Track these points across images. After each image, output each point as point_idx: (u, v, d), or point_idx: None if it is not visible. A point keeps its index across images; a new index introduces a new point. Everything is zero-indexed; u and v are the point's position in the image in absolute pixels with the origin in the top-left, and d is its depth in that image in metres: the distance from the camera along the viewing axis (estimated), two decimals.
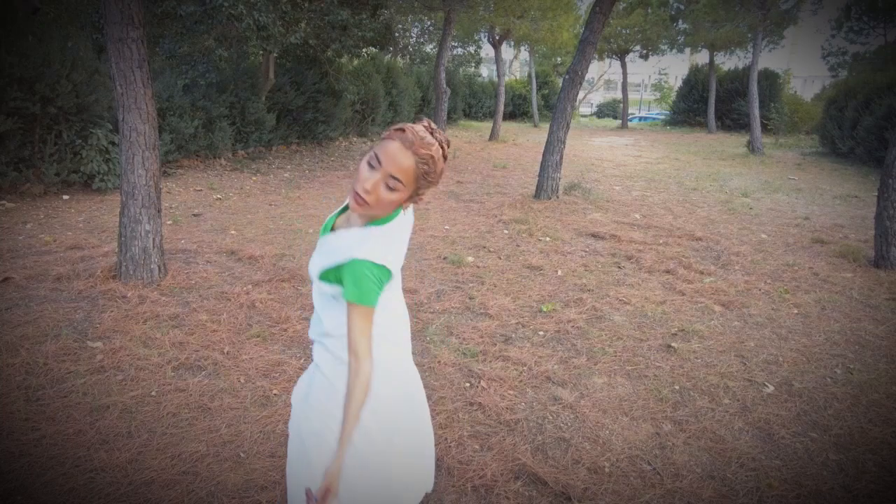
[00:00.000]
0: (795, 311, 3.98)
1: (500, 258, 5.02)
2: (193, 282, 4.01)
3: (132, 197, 3.82)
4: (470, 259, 4.91)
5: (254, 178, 8.42)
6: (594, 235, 5.84)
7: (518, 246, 5.41)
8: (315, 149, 11.59)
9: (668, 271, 4.74)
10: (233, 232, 5.51)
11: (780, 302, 4.15)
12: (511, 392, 2.77)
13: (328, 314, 1.38)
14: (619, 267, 4.87)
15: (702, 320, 3.76)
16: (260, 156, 10.02)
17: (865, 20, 24.51)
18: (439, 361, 3.05)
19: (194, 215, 6.12)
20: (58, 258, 4.33)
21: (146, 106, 3.77)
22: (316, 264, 1.36)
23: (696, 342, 3.42)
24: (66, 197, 6.34)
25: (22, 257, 4.34)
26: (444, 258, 4.90)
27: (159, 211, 3.99)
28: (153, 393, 2.61)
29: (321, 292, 1.38)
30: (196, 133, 8.62)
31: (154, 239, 3.92)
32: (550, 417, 2.58)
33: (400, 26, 13.41)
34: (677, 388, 2.88)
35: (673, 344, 3.37)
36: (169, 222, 5.63)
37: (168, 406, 2.50)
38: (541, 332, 3.49)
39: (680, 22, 21.95)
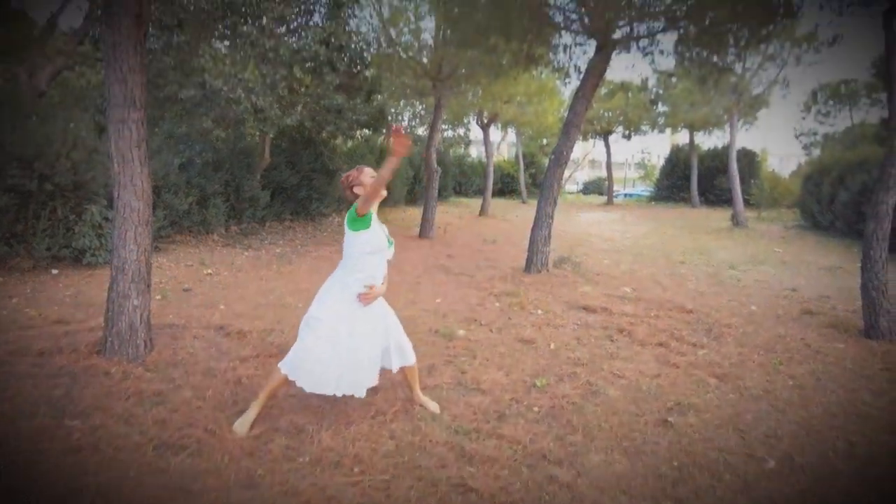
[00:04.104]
0: (791, 383, 3.94)
1: (492, 331, 4.98)
2: (179, 357, 3.92)
3: (122, 272, 3.81)
4: (461, 332, 4.87)
5: (246, 254, 8.46)
6: (585, 308, 5.84)
7: (510, 319, 5.39)
8: (308, 224, 11.74)
9: (660, 344, 4.71)
10: (222, 307, 5.46)
11: (775, 374, 4.11)
12: (505, 472, 2.67)
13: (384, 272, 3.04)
14: (612, 340, 4.84)
15: (697, 393, 3.70)
16: (253, 231, 10.11)
17: (832, 104, 26.03)
18: (430, 440, 2.95)
19: (184, 290, 6.08)
20: (41, 333, 4.24)
21: (142, 183, 3.84)
22: (393, 251, 3.05)
23: (692, 416, 3.35)
24: (54, 271, 6.30)
25: (4, 332, 4.25)
26: (436, 331, 4.85)
27: (149, 286, 3.97)
28: (131, 474, 2.48)
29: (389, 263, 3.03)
30: (190, 209, 8.75)
31: (142, 314, 3.87)
32: (547, 498, 2.47)
33: (393, 110, 14.01)
34: (676, 464, 2.79)
35: (669, 418, 3.29)
36: (158, 297, 5.58)
37: (147, 488, 2.37)
38: (535, 409, 3.40)
39: (660, 105, 23.16)
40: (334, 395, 2.96)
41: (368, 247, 2.87)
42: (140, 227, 3.84)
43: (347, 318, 2.88)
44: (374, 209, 2.95)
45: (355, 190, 2.96)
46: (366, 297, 2.88)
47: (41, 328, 4.40)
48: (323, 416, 3.14)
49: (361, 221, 2.82)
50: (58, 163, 6.21)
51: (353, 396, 2.99)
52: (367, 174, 2.96)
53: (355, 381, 2.90)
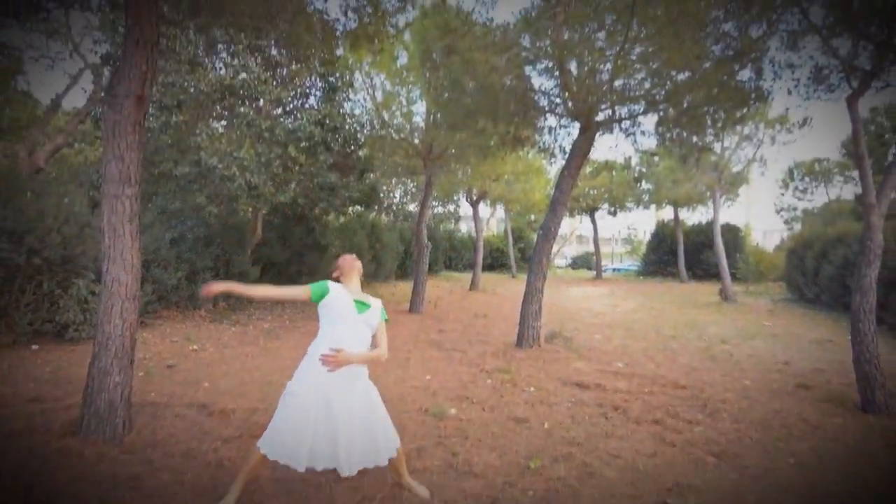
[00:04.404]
0: (792, 461, 3.82)
1: (484, 410, 4.84)
2: (159, 438, 3.76)
3: (105, 347, 3.72)
4: (452, 411, 4.73)
5: (233, 329, 8.32)
6: (579, 385, 5.73)
7: (502, 396, 5.26)
8: None
9: (656, 421, 4.60)
10: (206, 384, 5.31)
11: (775, 451, 4.00)
12: None
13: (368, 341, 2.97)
14: (607, 418, 4.72)
15: (696, 473, 3.57)
16: (241, 307, 10.01)
17: (807, 181, 27.14)
18: None
19: (168, 367, 5.92)
20: (14, 412, 4.06)
21: (132, 258, 3.84)
22: (376, 317, 3.02)
23: (692, 498, 3.21)
24: (35, 347, 6.14)
25: None
26: (426, 410, 4.72)
27: (132, 362, 3.87)
28: None
29: (371, 328, 2.99)
30: (178, 284, 8.69)
31: (122, 391, 3.74)
32: None
33: (384, 188, 14.36)
34: None
35: (669, 501, 3.16)
36: (140, 374, 5.42)
37: None
38: (530, 492, 3.26)
39: (643, 182, 23.92)
40: (319, 481, 2.82)
41: (331, 312, 2.92)
42: (127, 301, 3.80)
43: (321, 389, 2.79)
44: (350, 281, 3.11)
45: (334, 273, 3.19)
46: (329, 360, 2.77)
47: (14, 407, 4.22)
48: (307, 502, 2.98)
49: (318, 293, 2.95)
50: (48, 237, 6.22)
51: (338, 480, 2.86)
52: (343, 259, 3.22)
53: (332, 455, 2.75)
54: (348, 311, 2.92)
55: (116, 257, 3.78)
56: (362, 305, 2.98)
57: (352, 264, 3.15)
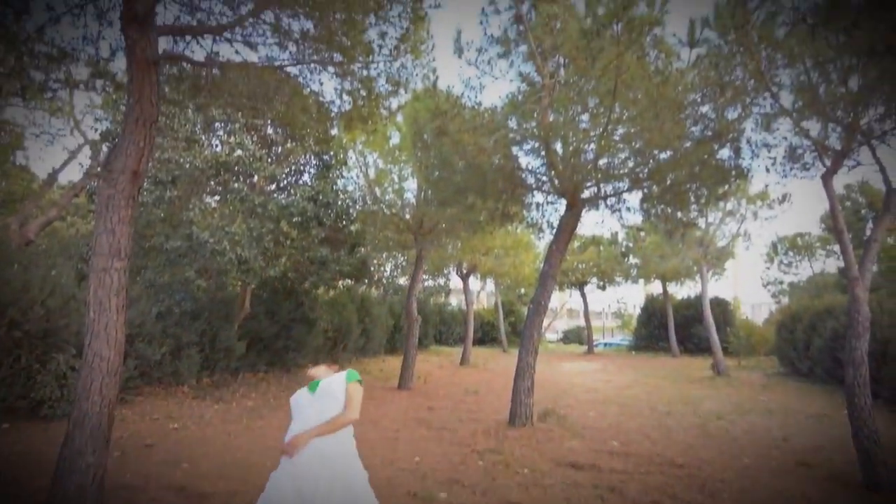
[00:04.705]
0: None
1: (476, 494, 4.63)
2: None
3: (80, 426, 3.57)
4: (443, 496, 4.52)
5: (216, 407, 8.04)
6: (573, 465, 5.53)
7: (494, 479, 5.05)
8: (283, 376, 11.36)
9: (654, 503, 4.42)
10: (185, 465, 5.06)
11: None
12: None
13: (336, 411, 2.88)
14: (603, 500, 4.53)
15: None
16: (225, 383, 9.72)
17: (791, 255, 27.75)
18: None
19: (146, 446, 5.66)
20: None
21: (115, 332, 3.76)
22: (336, 387, 2.93)
23: None
24: (5, 425, 5.87)
25: None
26: (415, 495, 4.50)
27: (108, 442, 3.70)
28: None
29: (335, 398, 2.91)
30: (162, 360, 8.46)
31: (95, 473, 3.55)
32: None
33: (375, 261, 14.44)
34: None
35: None
36: (117, 454, 5.17)
37: None
38: None
39: (631, 257, 24.24)
40: None
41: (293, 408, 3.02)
42: (107, 377, 3.69)
43: (291, 477, 2.73)
44: (315, 378, 3.10)
45: None
46: (286, 448, 2.79)
47: None
48: None
49: None
50: (31, 310, 6.12)
51: None
52: (315, 370, 3.18)
53: None
54: (302, 398, 2.99)
55: (100, 331, 3.71)
56: (313, 385, 3.01)
57: (307, 373, 3.19)
